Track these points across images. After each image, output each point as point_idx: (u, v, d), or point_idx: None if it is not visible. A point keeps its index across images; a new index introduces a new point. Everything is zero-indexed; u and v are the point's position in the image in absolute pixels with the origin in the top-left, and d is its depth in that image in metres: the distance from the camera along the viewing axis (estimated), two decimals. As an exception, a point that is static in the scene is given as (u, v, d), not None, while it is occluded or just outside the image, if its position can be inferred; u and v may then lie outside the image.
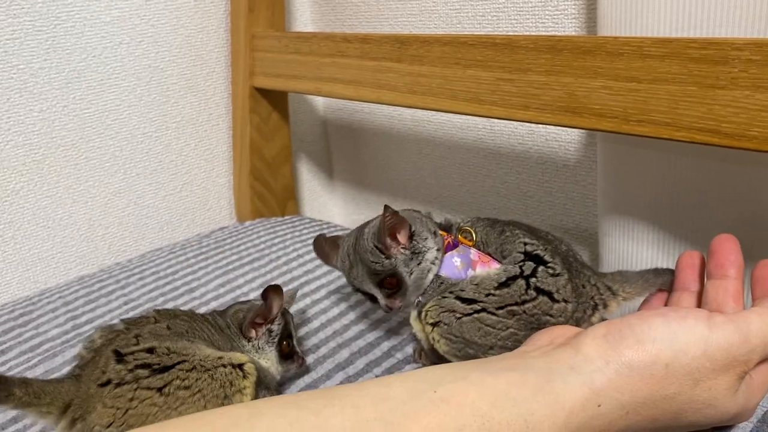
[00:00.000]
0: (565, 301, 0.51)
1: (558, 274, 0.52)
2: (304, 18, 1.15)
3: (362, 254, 0.54)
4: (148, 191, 1.01)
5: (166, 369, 0.48)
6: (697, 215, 0.67)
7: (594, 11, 0.77)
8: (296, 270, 0.79)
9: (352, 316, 0.68)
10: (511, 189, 0.98)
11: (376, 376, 0.57)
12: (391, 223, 0.53)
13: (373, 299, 0.56)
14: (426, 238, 0.54)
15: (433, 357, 0.56)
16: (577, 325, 0.51)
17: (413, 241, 0.54)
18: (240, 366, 0.51)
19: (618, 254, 0.76)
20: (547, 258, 0.53)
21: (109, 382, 0.47)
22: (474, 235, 0.57)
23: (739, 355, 0.39)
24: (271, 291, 0.54)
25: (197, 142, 1.05)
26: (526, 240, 0.54)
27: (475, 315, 0.52)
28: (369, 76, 0.78)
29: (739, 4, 0.55)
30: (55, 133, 0.90)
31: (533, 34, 0.84)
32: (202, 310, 0.71)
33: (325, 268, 0.79)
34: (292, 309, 0.62)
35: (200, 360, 0.49)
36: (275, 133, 1.04)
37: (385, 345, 0.63)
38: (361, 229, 0.56)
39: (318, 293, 0.73)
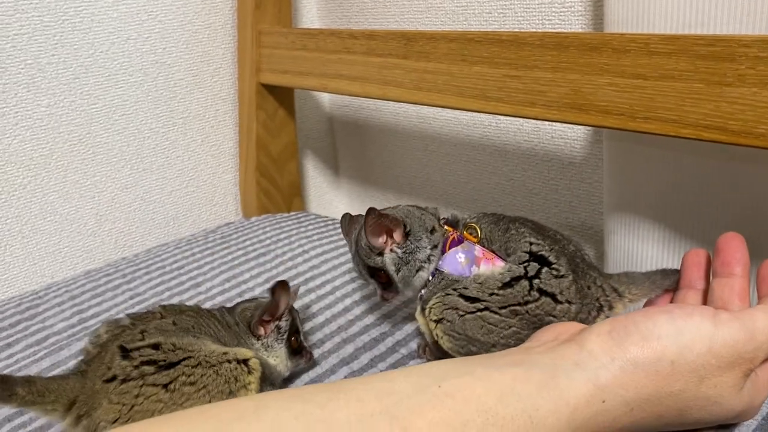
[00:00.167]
0: (569, 303, 0.51)
1: (562, 276, 0.52)
2: (311, 14, 1.15)
3: (359, 247, 0.56)
4: (155, 187, 1.02)
5: (171, 365, 0.48)
6: (703, 213, 0.67)
7: (600, 8, 0.77)
8: (301, 266, 0.80)
9: (357, 311, 0.68)
10: (517, 186, 0.98)
11: (381, 371, 0.58)
12: (372, 224, 0.54)
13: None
14: (420, 238, 0.55)
15: (437, 352, 0.56)
16: (582, 325, 0.51)
17: (408, 240, 0.55)
18: (245, 361, 0.51)
19: (623, 252, 0.75)
20: (552, 259, 0.53)
21: (114, 378, 0.47)
22: (479, 232, 0.57)
23: (744, 352, 0.39)
24: (279, 287, 0.55)
25: (204, 138, 1.06)
26: (532, 240, 0.54)
27: (478, 313, 0.52)
28: (375, 73, 0.79)
29: (746, 2, 0.55)
30: (62, 128, 0.90)
31: (540, 31, 0.84)
32: (208, 304, 0.72)
33: (330, 264, 0.79)
34: (297, 304, 0.62)
35: (205, 356, 0.50)
36: (281, 130, 1.05)
37: (390, 341, 0.63)
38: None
39: (323, 289, 0.73)
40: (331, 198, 1.30)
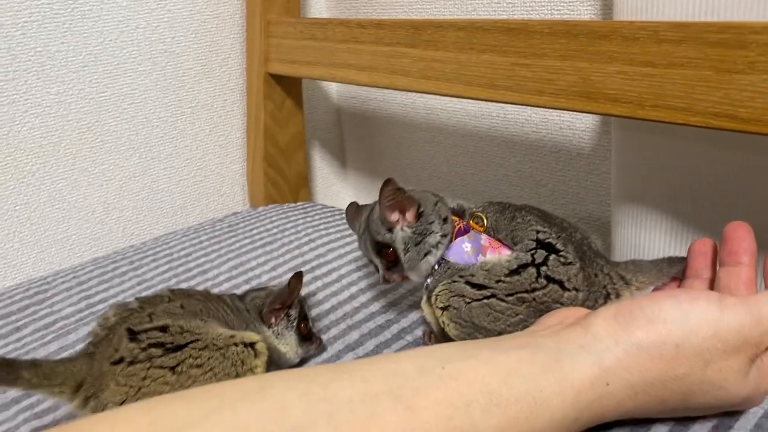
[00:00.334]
0: (576, 290, 0.51)
1: (570, 263, 0.52)
2: (319, 4, 1.15)
3: (370, 221, 0.56)
4: (163, 176, 1.02)
5: (179, 348, 0.49)
6: (711, 204, 0.67)
7: (610, -3, 0.77)
8: (308, 254, 0.80)
9: (362, 299, 0.68)
10: (524, 178, 0.98)
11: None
12: (389, 198, 0.54)
13: (376, 268, 0.57)
14: (432, 222, 0.55)
15: (443, 340, 0.56)
16: (589, 313, 0.51)
17: (419, 222, 0.55)
18: (252, 345, 0.51)
19: (631, 243, 0.75)
20: (559, 246, 0.52)
21: (121, 360, 0.48)
22: (485, 221, 0.57)
23: (750, 337, 0.39)
24: (296, 278, 0.56)
25: (212, 127, 1.06)
26: (539, 228, 0.54)
27: (485, 301, 0.52)
28: (383, 62, 0.78)
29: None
30: (71, 116, 0.91)
31: (548, 18, 0.84)
32: (215, 291, 0.72)
33: (336, 253, 0.79)
34: (303, 292, 0.62)
35: (212, 339, 0.50)
36: (289, 120, 1.05)
37: (395, 327, 0.63)
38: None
39: (329, 277, 0.73)
40: (338, 189, 1.30)
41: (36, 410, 0.56)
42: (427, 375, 0.37)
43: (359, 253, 0.76)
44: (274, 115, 1.02)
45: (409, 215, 0.55)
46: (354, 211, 0.63)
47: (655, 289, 0.55)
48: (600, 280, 0.53)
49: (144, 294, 0.72)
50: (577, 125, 0.88)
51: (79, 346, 0.62)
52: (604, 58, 0.57)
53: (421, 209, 0.55)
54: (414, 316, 0.65)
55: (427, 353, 0.40)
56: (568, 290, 0.51)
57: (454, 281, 0.53)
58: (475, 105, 0.99)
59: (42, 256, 0.92)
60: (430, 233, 0.55)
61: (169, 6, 0.96)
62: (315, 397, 0.35)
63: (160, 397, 0.37)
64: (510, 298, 0.51)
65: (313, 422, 0.34)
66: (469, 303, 0.52)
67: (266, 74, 0.99)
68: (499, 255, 0.54)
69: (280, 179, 1.06)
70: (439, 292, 0.53)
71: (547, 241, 0.53)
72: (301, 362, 0.59)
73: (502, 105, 0.95)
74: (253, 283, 0.74)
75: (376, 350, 0.60)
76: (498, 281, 0.52)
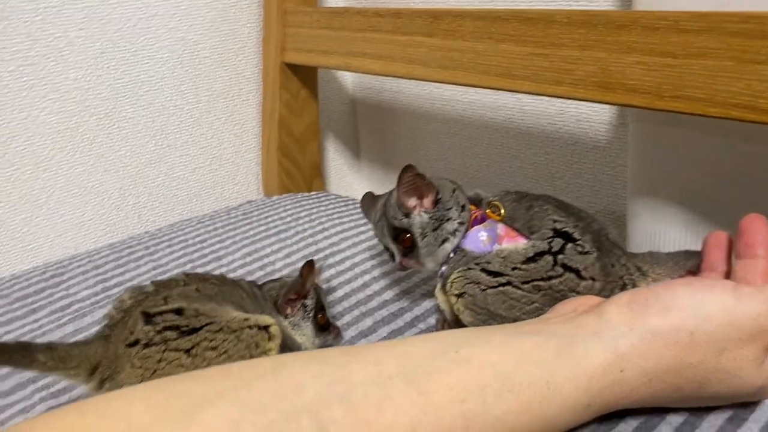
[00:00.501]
0: (593, 279, 0.51)
1: (587, 252, 0.51)
2: (336, -6, 1.15)
3: (387, 207, 0.56)
4: (178, 163, 1.03)
5: (194, 331, 0.49)
6: (728, 197, 0.66)
7: (630, -12, 0.76)
8: (322, 242, 0.80)
9: (376, 287, 0.68)
10: (540, 170, 0.98)
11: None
12: (408, 183, 0.54)
13: (392, 256, 0.57)
14: (450, 209, 0.55)
15: (456, 327, 0.56)
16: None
17: (436, 208, 0.55)
18: (266, 328, 0.51)
19: (647, 236, 0.75)
20: (576, 235, 0.52)
21: (137, 342, 0.48)
22: (501, 210, 0.57)
23: (766, 326, 0.39)
24: (307, 267, 0.56)
25: (227, 116, 1.06)
26: (556, 217, 0.54)
27: (501, 288, 0.52)
28: (400, 51, 0.78)
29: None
30: (89, 102, 0.91)
31: (568, 8, 0.83)
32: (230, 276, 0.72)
33: (350, 241, 0.79)
34: (318, 281, 0.62)
35: (227, 321, 0.50)
36: (304, 110, 1.05)
37: (408, 315, 0.63)
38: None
39: (343, 265, 0.74)
40: (351, 180, 1.30)
41: (52, 390, 0.56)
42: (440, 359, 0.37)
43: (373, 242, 0.77)
44: (289, 104, 1.03)
45: (427, 201, 0.55)
46: (369, 200, 0.63)
47: (670, 281, 0.54)
48: (617, 271, 0.52)
49: (159, 278, 0.73)
50: (593, 117, 0.87)
51: (95, 329, 0.62)
52: (623, 48, 0.57)
53: (439, 195, 0.55)
54: (427, 304, 0.65)
55: (441, 338, 0.40)
56: (585, 279, 0.51)
57: (470, 268, 0.53)
58: (490, 96, 0.99)
59: (58, 240, 0.93)
60: (448, 219, 0.55)
61: (187, -6, 0.97)
62: (329, 379, 0.36)
63: (176, 376, 0.37)
64: (526, 285, 0.51)
65: (328, 403, 0.34)
66: (484, 290, 0.52)
67: (282, 64, 1.00)
68: (515, 243, 0.54)
69: (294, 169, 1.07)
70: (455, 278, 0.53)
71: (564, 230, 0.53)
72: (315, 348, 0.59)
73: (518, 96, 0.94)
74: (267, 270, 0.74)
75: (389, 337, 0.60)
76: (514, 268, 0.52)
